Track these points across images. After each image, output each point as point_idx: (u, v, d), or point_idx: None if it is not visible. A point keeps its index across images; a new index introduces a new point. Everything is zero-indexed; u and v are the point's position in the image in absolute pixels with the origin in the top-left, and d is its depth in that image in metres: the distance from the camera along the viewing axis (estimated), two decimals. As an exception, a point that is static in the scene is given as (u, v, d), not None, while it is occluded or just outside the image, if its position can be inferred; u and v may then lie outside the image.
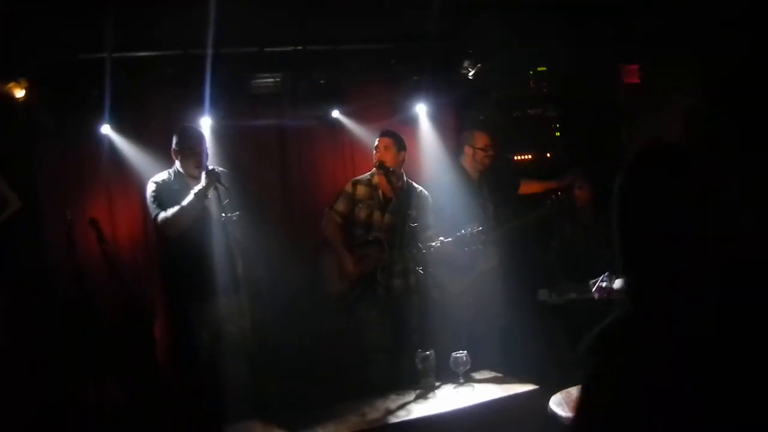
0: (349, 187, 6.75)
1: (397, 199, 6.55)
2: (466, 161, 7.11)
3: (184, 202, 5.99)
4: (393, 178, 6.53)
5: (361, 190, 6.69)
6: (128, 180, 6.88)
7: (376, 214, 6.61)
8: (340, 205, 6.69)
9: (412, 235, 6.35)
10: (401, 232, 6.48)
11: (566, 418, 4.45)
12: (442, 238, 6.45)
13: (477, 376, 5.75)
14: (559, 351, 6.95)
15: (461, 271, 6.84)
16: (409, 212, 6.43)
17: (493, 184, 7.15)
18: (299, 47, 7.24)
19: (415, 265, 6.30)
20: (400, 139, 6.72)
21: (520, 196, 7.30)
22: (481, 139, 7.08)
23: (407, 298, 6.48)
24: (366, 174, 6.79)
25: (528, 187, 7.29)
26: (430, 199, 6.73)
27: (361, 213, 6.64)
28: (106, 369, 6.19)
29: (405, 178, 6.74)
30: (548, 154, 8.12)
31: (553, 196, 6.90)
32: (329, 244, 6.66)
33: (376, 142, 6.67)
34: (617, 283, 6.20)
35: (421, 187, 6.76)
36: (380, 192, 6.66)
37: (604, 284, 6.32)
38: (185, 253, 6.13)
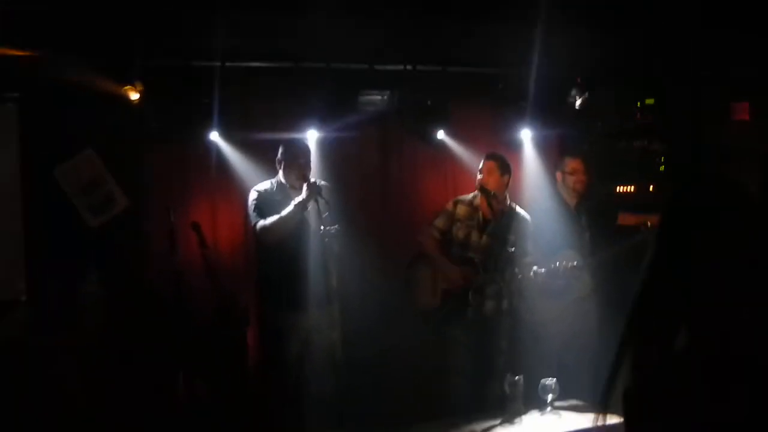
0: (450, 206, 6.80)
1: (496, 221, 6.57)
2: (560, 187, 7.10)
3: (284, 212, 6.09)
4: (494, 201, 6.56)
5: (461, 210, 6.72)
6: (232, 187, 6.99)
7: (474, 235, 6.63)
8: (440, 222, 6.74)
9: (509, 258, 6.33)
10: (497, 255, 6.48)
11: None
12: (535, 268, 6.44)
13: (564, 404, 5.69)
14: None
15: (555, 297, 6.78)
16: (508, 236, 6.43)
17: (591, 212, 7.09)
18: (408, 67, 7.29)
19: (509, 289, 6.29)
20: (504, 162, 6.73)
21: (618, 227, 7.20)
22: (570, 164, 7.07)
23: (498, 320, 6.46)
24: (469, 194, 6.81)
25: (626, 219, 7.19)
26: (531, 226, 6.71)
27: (460, 232, 6.67)
28: (197, 371, 6.29)
29: (508, 201, 6.74)
30: (651, 188, 8.01)
31: (648, 224, 6.83)
32: (428, 257, 6.69)
33: (481, 164, 6.70)
34: None
35: (523, 212, 6.76)
36: (480, 213, 6.68)
37: None
38: (282, 263, 6.22)
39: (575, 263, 6.60)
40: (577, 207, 7.08)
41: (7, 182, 6.61)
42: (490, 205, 6.57)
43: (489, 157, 6.76)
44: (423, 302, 6.71)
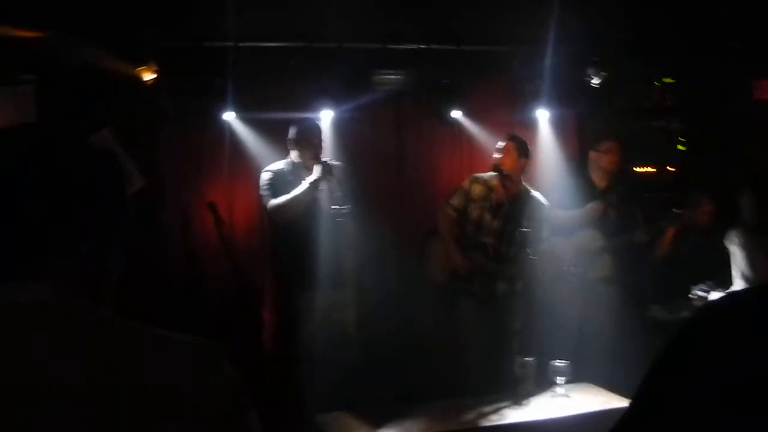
0: (466, 184, 6.71)
1: (510, 205, 6.52)
2: (591, 167, 7.02)
3: (296, 191, 6.08)
4: (509, 182, 6.49)
5: (477, 189, 6.64)
6: (247, 167, 6.99)
7: (487, 217, 6.56)
8: (456, 200, 6.67)
9: (522, 241, 6.29)
10: (510, 239, 6.45)
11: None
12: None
13: (576, 387, 5.64)
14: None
15: (573, 277, 6.75)
16: (522, 220, 6.37)
17: (619, 194, 7.02)
18: (423, 46, 7.25)
19: (523, 270, 6.27)
20: (522, 145, 6.64)
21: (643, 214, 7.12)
22: (606, 144, 6.98)
23: (511, 301, 6.44)
24: (486, 174, 6.74)
25: None
26: (547, 210, 6.64)
27: (474, 212, 6.60)
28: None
29: (524, 184, 6.68)
30: (670, 168, 7.95)
31: (674, 210, 6.76)
32: (440, 236, 6.67)
33: (499, 145, 6.63)
34: (714, 295, 6.00)
35: (539, 196, 6.67)
36: (495, 195, 6.60)
37: (700, 293, 6.12)
38: (295, 244, 6.22)
39: (578, 269, 6.59)
40: (607, 188, 7.00)
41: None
42: (505, 186, 6.50)
43: (508, 138, 6.66)
44: (433, 277, 6.70)
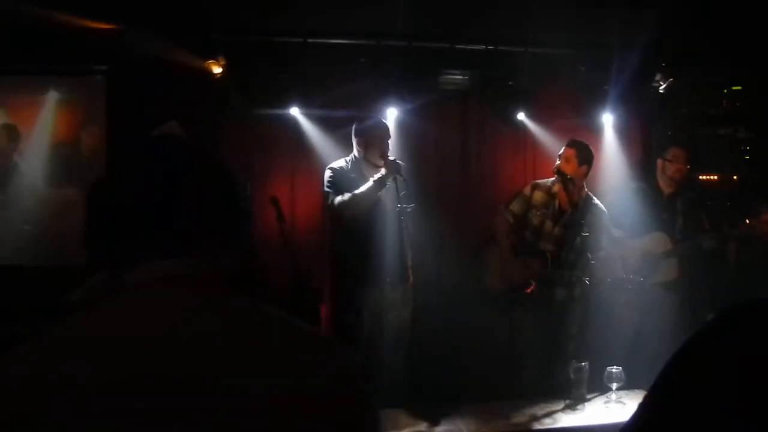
0: (527, 190, 6.71)
1: (572, 212, 6.48)
2: (659, 174, 6.97)
3: (362, 188, 6.07)
4: (571, 187, 6.44)
5: (538, 195, 6.63)
6: (310, 162, 7.06)
7: (548, 224, 6.55)
8: (515, 206, 6.66)
9: (582, 246, 6.27)
10: (570, 246, 6.42)
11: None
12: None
13: (630, 394, 5.61)
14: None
15: (635, 281, 6.70)
16: (583, 227, 6.33)
17: (685, 201, 6.95)
18: (490, 47, 7.26)
19: (581, 276, 6.24)
20: (585, 151, 6.59)
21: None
22: (672, 152, 6.92)
23: (569, 306, 6.42)
24: (548, 180, 6.72)
25: None
26: (606, 217, 6.61)
27: (534, 219, 6.59)
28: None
29: (585, 190, 6.65)
30: (734, 177, 7.85)
31: (748, 221, 6.69)
32: (497, 244, 6.67)
33: (561, 151, 6.60)
34: None
35: (600, 204, 6.64)
36: (557, 202, 6.58)
37: None
38: (357, 240, 6.22)
39: (642, 279, 6.54)
40: (672, 195, 6.93)
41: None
42: (567, 192, 6.45)
43: (570, 144, 6.60)
44: (491, 284, 6.71)
